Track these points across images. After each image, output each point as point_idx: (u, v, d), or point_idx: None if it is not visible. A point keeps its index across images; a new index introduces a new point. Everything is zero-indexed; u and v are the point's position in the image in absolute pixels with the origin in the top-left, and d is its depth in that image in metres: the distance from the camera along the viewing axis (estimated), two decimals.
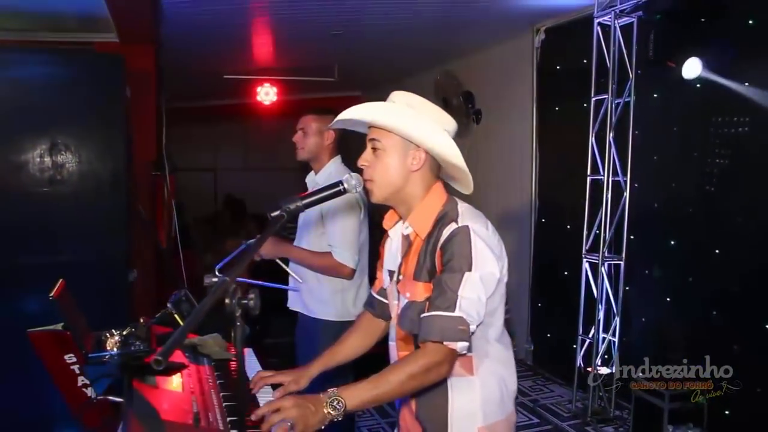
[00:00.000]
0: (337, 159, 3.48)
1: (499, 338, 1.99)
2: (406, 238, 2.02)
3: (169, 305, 2.02)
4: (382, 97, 2.02)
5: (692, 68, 4.22)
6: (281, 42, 6.77)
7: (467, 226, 1.83)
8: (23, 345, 3.81)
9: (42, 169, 4.03)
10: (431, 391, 1.88)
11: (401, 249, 2.05)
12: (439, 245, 1.84)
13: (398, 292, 2.01)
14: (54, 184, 4.04)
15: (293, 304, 3.55)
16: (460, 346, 1.76)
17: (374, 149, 1.95)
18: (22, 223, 3.99)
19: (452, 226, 1.84)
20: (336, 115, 3.44)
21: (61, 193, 4.05)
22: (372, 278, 2.34)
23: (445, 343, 1.74)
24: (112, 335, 1.92)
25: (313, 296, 3.38)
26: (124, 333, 1.93)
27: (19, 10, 4.71)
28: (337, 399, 1.67)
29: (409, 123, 1.90)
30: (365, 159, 1.96)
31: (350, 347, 2.31)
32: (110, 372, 1.86)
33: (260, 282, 3.11)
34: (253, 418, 1.70)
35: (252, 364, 2.50)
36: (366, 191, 2.02)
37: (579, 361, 5.03)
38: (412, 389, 1.80)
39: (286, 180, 12.13)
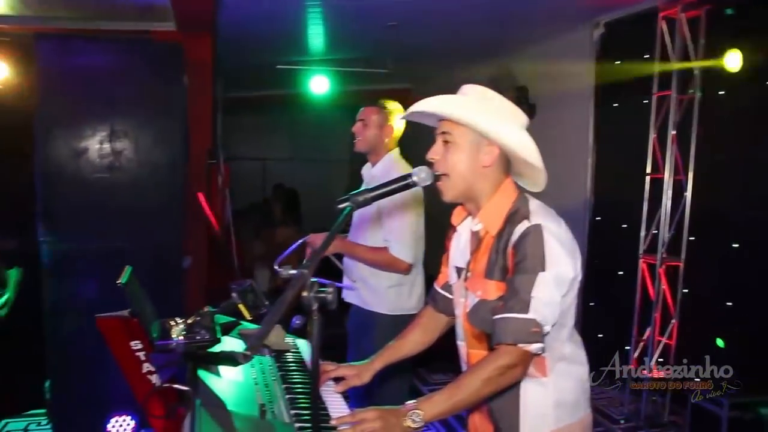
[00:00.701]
0: (395, 152, 3.44)
1: (571, 337, 1.94)
2: (475, 234, 1.97)
3: (234, 295, 2.00)
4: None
5: (735, 61, 4.10)
6: (334, 33, 6.76)
7: (540, 225, 1.78)
8: (81, 327, 3.91)
9: (102, 155, 4.07)
10: (503, 392, 1.83)
11: (470, 246, 2.00)
12: (511, 244, 1.80)
13: (467, 289, 1.96)
14: (113, 171, 4.09)
15: (347, 296, 3.53)
16: (534, 347, 1.72)
17: (446, 143, 1.90)
18: (81, 208, 4.05)
19: (524, 224, 1.79)
20: (398, 108, 3.44)
21: (119, 179, 4.10)
22: (435, 273, 2.30)
23: (518, 345, 1.71)
24: (177, 323, 1.91)
25: (368, 289, 3.36)
26: (189, 322, 1.92)
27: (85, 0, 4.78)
28: (416, 412, 1.66)
29: (484, 118, 1.85)
30: (436, 152, 1.91)
31: (412, 342, 2.27)
32: (175, 360, 1.85)
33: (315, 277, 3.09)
34: (334, 424, 1.69)
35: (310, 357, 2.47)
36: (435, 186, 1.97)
37: (632, 363, 4.91)
38: (488, 394, 1.77)
39: (333, 171, 12.20)
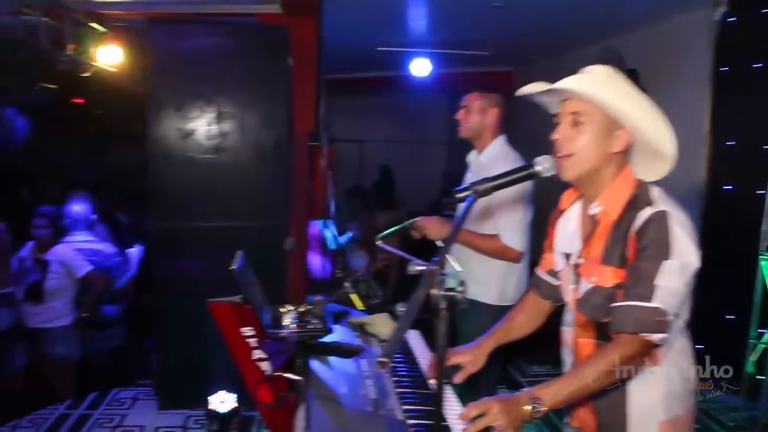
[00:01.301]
0: (501, 138, 3.33)
1: (682, 330, 1.87)
2: (591, 218, 1.87)
3: (347, 285, 1.97)
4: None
5: None
6: (437, 14, 6.64)
7: (665, 211, 1.70)
8: (186, 304, 4.01)
9: (209, 137, 4.14)
10: None
11: (581, 230, 1.92)
12: (634, 230, 1.72)
13: (579, 275, 1.88)
14: (219, 152, 4.16)
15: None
16: (657, 337, 1.66)
17: (575, 123, 1.79)
18: (188, 188, 4.14)
19: (648, 211, 1.71)
20: (501, 93, 3.33)
21: (225, 160, 4.17)
22: (538, 258, 2.21)
23: (640, 334, 1.65)
24: (287, 310, 1.89)
25: (474, 278, 3.26)
26: (301, 310, 1.90)
27: None
28: (536, 399, 1.61)
29: (625, 102, 1.75)
30: (562, 132, 1.81)
31: (520, 326, 2.21)
32: (287, 348, 1.83)
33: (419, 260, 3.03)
34: (459, 420, 1.64)
35: (421, 347, 2.42)
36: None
37: (749, 366, 4.62)
38: (609, 384, 1.70)
39: (431, 153, 12.12)
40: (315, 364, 1.84)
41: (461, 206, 3.33)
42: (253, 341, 1.99)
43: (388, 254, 5.82)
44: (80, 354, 4.98)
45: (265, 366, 1.98)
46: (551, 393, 1.64)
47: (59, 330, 4.80)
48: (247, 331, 1.97)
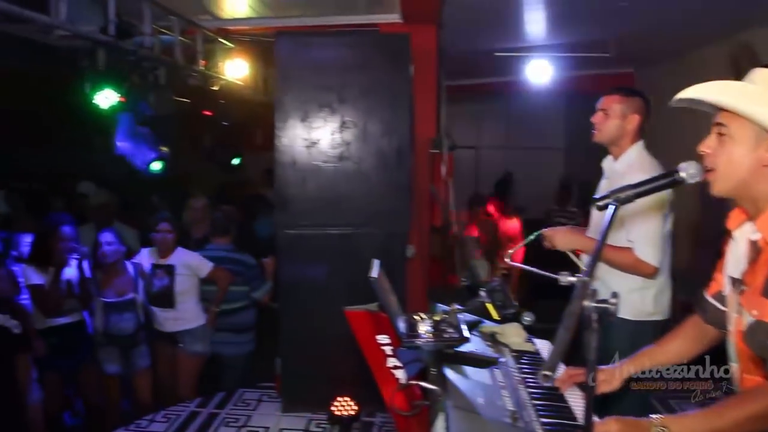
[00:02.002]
0: (639, 145, 3.16)
1: None
2: (753, 244, 1.71)
3: (482, 293, 1.94)
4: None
5: None
6: (555, 17, 6.50)
7: None
8: (311, 308, 4.11)
9: (333, 145, 4.23)
10: None
11: (747, 255, 1.74)
12: None
13: (741, 305, 1.71)
14: (342, 160, 4.23)
15: None
16: None
17: (720, 135, 1.67)
18: (312, 196, 4.24)
19: None
20: (642, 96, 3.18)
21: (348, 168, 4.24)
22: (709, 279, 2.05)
23: None
24: (422, 319, 1.88)
25: (607, 291, 3.14)
26: (436, 318, 1.88)
27: None
28: (664, 429, 1.52)
29: None
30: (708, 145, 1.69)
31: (673, 352, 2.07)
32: (422, 357, 1.82)
33: (545, 272, 2.94)
34: None
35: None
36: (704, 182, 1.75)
37: None
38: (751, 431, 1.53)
39: (546, 159, 11.86)
40: (450, 374, 1.82)
41: (600, 214, 3.23)
42: (388, 349, 2.00)
43: (507, 263, 5.74)
44: (210, 354, 5.18)
45: (400, 374, 1.98)
46: (681, 425, 1.53)
47: (194, 331, 5.01)
48: (383, 338, 1.99)
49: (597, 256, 1.42)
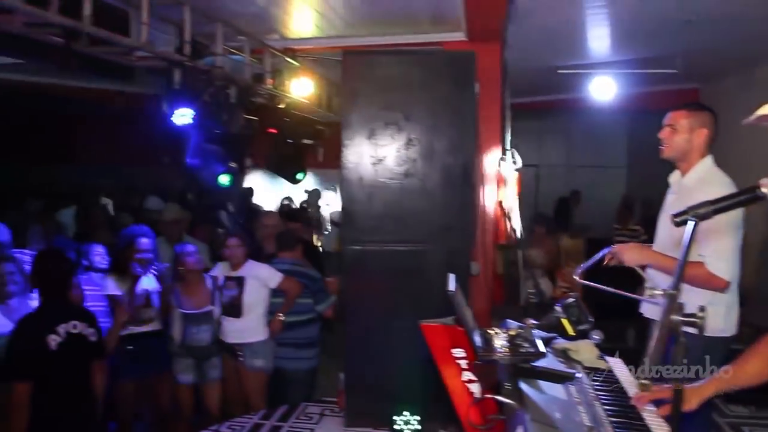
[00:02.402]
0: (708, 159, 3.14)
1: None
2: None
3: (557, 309, 1.95)
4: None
5: None
6: (620, 33, 6.45)
7: None
8: (375, 324, 4.14)
9: (398, 163, 4.26)
10: None
11: None
12: None
13: None
14: (408, 177, 4.26)
15: (647, 310, 3.29)
16: None
17: None
18: (378, 212, 4.27)
19: None
20: (709, 110, 3.15)
21: (413, 185, 4.26)
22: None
23: None
24: (497, 334, 1.90)
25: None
26: (511, 333, 1.90)
27: (380, 16, 5.08)
28: None
29: None
30: None
31: (751, 372, 2.03)
32: (498, 372, 1.84)
33: (612, 289, 2.91)
34: None
35: (626, 374, 2.33)
36: None
37: None
38: None
39: (607, 177, 11.70)
40: (526, 388, 1.83)
41: (667, 230, 3.17)
42: (463, 363, 2.02)
43: (569, 282, 5.67)
44: (273, 368, 5.28)
45: (475, 388, 2.00)
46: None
47: (257, 345, 5.11)
48: (458, 352, 2.00)
49: (681, 272, 1.42)
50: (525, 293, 4.75)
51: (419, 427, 3.91)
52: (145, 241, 4.91)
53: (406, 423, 3.97)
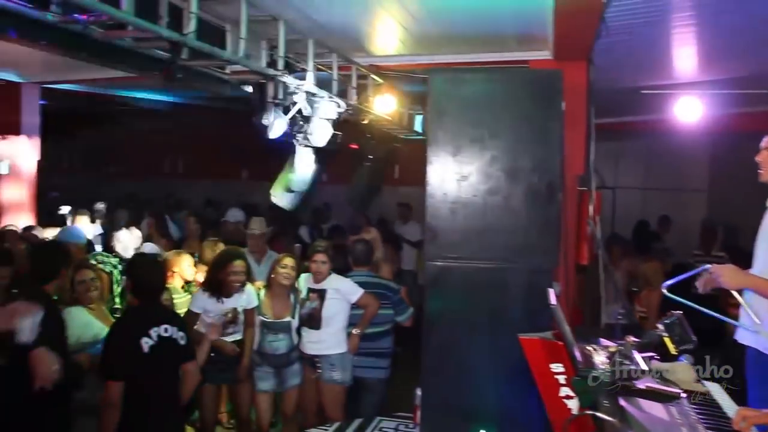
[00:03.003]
0: None
1: None
2: None
3: (660, 327, 1.92)
4: None
5: None
6: (707, 52, 6.29)
7: None
8: (453, 340, 4.14)
9: (483, 180, 4.27)
10: None
11: None
12: None
13: None
14: (492, 194, 4.26)
15: (743, 337, 3.19)
16: None
17: None
18: (461, 228, 4.28)
19: None
20: None
21: (497, 202, 4.26)
22: None
23: None
24: (596, 350, 1.89)
25: None
26: (612, 350, 1.88)
27: (466, 34, 5.12)
28: None
29: None
30: None
31: None
32: (598, 389, 1.82)
33: (707, 310, 2.84)
34: None
35: (726, 399, 2.28)
36: None
37: None
38: None
39: (686, 201, 11.36)
40: (626, 406, 1.81)
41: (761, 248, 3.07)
42: (561, 378, 2.01)
43: (647, 307, 5.54)
44: (351, 380, 5.34)
45: (572, 404, 1.98)
46: None
47: (334, 357, 5.20)
48: (556, 367, 2.00)
49: None
50: (607, 314, 4.67)
51: None
52: (239, 264, 5.10)
53: None
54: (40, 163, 8.30)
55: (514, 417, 4.10)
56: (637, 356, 1.93)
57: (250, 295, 5.23)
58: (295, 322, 5.23)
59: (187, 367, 4.04)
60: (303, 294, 5.31)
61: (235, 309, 5.15)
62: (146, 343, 3.77)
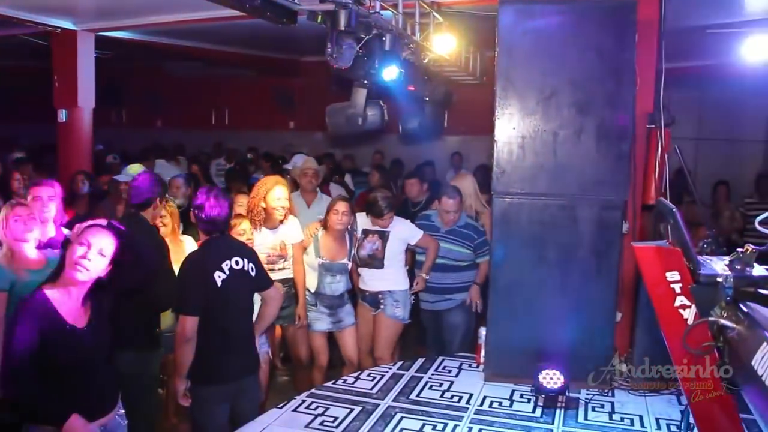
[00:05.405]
0: None
1: None
2: None
3: None
4: None
5: None
6: None
7: None
8: (520, 279, 4.11)
9: (552, 114, 4.17)
10: None
11: None
12: None
13: None
14: (562, 129, 4.18)
15: None
16: None
17: None
18: (530, 164, 4.20)
19: None
20: None
21: (567, 137, 4.17)
22: None
23: None
24: (712, 260, 1.83)
25: None
26: (731, 258, 1.82)
27: None
28: None
29: None
30: None
31: None
32: (719, 296, 1.77)
33: None
34: None
35: None
36: None
37: None
38: None
39: (742, 152, 11.01)
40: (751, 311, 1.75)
41: None
42: (677, 287, 1.96)
43: None
44: (411, 318, 5.39)
45: (688, 314, 1.94)
46: None
47: (398, 293, 5.23)
48: (671, 276, 1.94)
49: None
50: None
51: (565, 384, 3.89)
52: (281, 190, 5.09)
53: (551, 380, 3.95)
54: (94, 111, 8.36)
55: (582, 355, 4.08)
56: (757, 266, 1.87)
57: (297, 228, 5.25)
58: (349, 264, 5.24)
59: (264, 294, 4.09)
60: (359, 235, 5.30)
61: (283, 241, 5.16)
62: (219, 276, 3.79)
